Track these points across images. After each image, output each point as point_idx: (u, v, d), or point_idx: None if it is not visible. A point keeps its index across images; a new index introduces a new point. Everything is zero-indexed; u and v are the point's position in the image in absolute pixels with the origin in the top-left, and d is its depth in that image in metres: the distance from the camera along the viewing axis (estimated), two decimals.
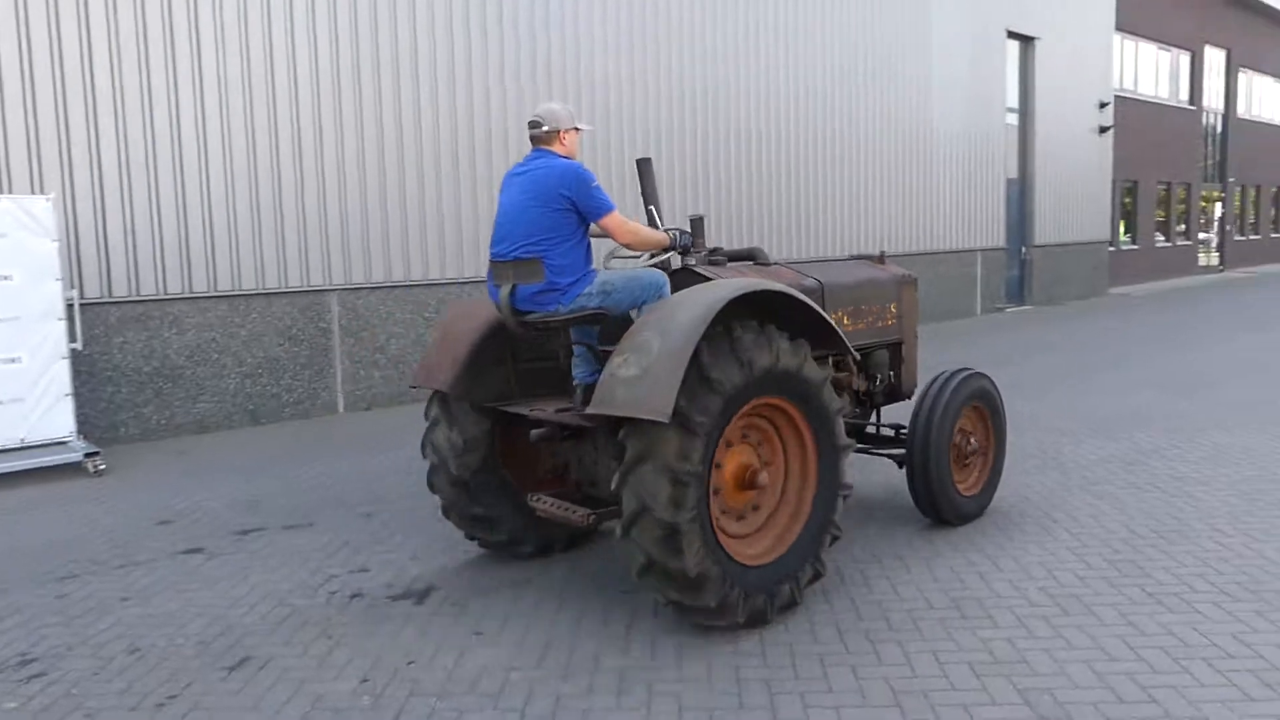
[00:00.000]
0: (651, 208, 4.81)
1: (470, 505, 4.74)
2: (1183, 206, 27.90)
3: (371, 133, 9.74)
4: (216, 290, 8.91)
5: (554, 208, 4.16)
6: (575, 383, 4.47)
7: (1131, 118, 24.37)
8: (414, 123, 10.02)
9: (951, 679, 3.59)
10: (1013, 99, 19.49)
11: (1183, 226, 27.91)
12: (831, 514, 4.21)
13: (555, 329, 4.33)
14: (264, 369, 9.21)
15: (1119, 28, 23.21)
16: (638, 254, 4.73)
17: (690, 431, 3.67)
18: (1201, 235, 29.09)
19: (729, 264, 4.84)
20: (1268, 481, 6.07)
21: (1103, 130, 21.72)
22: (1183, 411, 8.41)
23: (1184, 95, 27.84)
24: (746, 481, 4.05)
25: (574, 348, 4.47)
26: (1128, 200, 24.94)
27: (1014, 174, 19.57)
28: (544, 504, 4.55)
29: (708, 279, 4.58)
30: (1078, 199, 21.18)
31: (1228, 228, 30.69)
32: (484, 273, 10.25)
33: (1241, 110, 31.41)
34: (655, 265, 4.70)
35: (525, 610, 4.35)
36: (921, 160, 16.92)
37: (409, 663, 3.89)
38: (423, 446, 4.77)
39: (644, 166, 4.86)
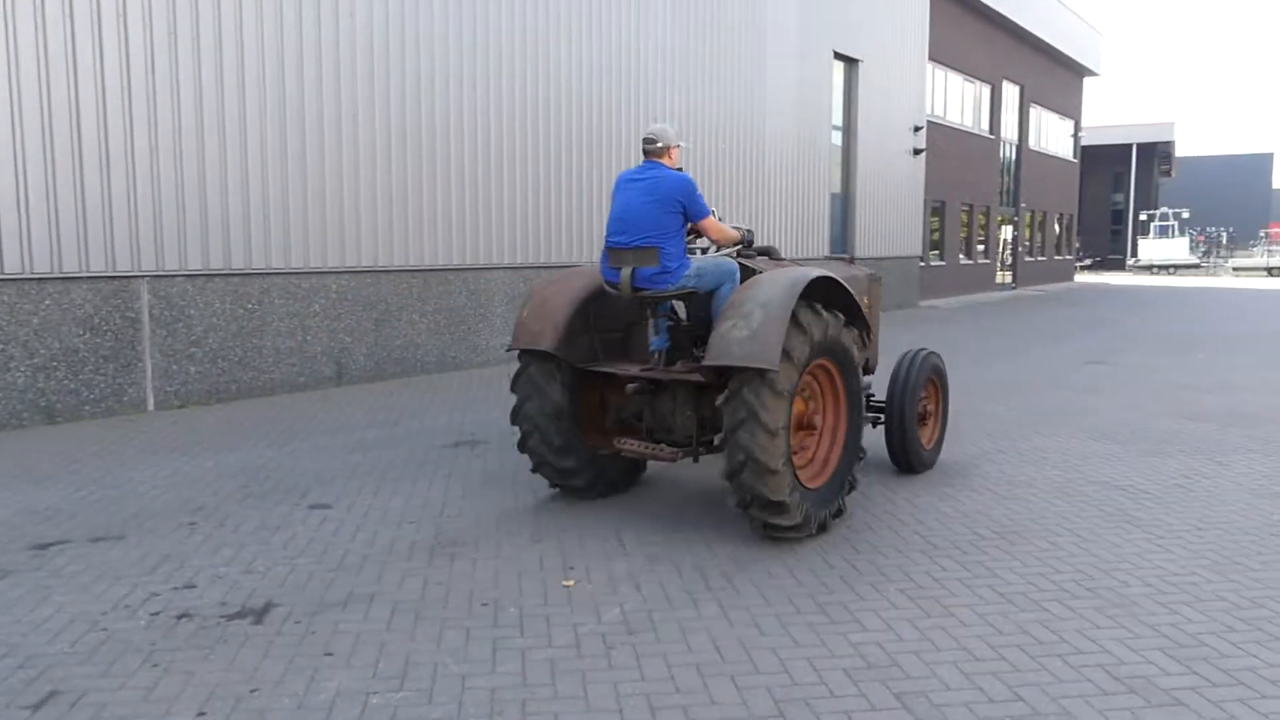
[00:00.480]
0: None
1: (560, 460, 5.82)
2: (983, 228, 30.06)
3: (189, 110, 8.99)
4: (3, 273, 7.96)
5: (669, 210, 5.45)
6: (653, 349, 5.83)
7: (940, 142, 26.03)
8: (238, 103, 9.33)
9: (830, 686, 3.56)
10: (838, 117, 20.36)
11: (983, 246, 30.06)
12: (857, 444, 5.53)
13: (661, 301, 5.64)
14: (60, 362, 8.31)
15: (931, 57, 24.72)
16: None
17: (779, 394, 4.90)
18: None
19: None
20: (1086, 483, 6.49)
21: (916, 152, 23.04)
22: (1001, 416, 8.93)
23: (985, 125, 30.00)
24: (805, 423, 5.36)
25: (658, 320, 5.82)
26: (935, 219, 26.61)
27: (838, 189, 20.44)
28: (632, 446, 5.66)
29: (754, 270, 6.05)
30: (894, 216, 22.38)
31: (1020, 249, 33.28)
32: (316, 262, 10.32)
33: (1032, 142, 34.20)
34: (726, 255, 6.04)
35: (379, 626, 4.04)
36: (754, 170, 17.38)
37: (252, 691, 3.51)
38: (515, 416, 5.82)
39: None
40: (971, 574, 4.72)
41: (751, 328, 4.98)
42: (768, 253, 6.28)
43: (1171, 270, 51.18)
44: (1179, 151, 65.18)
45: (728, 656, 3.79)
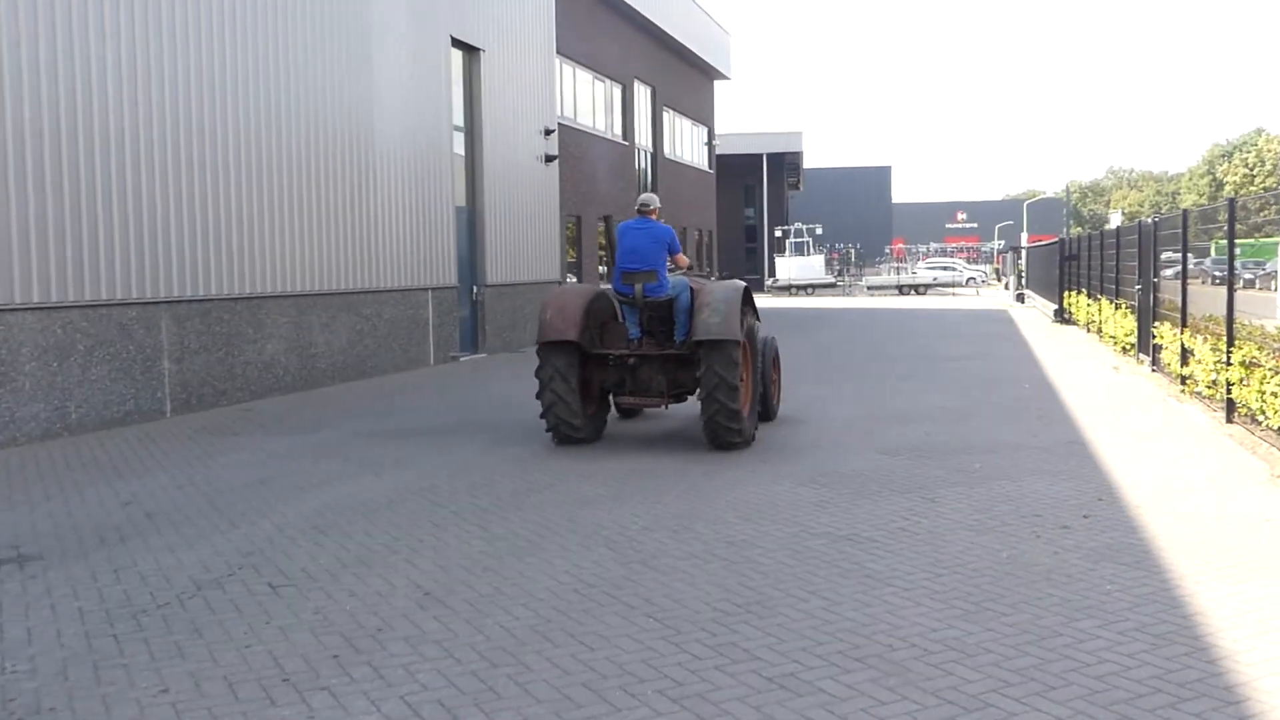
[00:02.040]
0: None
1: (575, 421, 10.43)
2: None
3: None
4: None
5: (662, 247, 10.47)
6: (631, 337, 10.67)
7: (573, 148, 27.15)
8: None
9: None
10: (460, 117, 20.50)
11: None
12: (761, 389, 11.33)
13: (661, 303, 10.53)
14: None
15: (560, 51, 25.76)
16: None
17: (736, 362, 9.83)
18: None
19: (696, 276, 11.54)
20: (810, 536, 6.95)
21: (549, 159, 23.84)
22: (709, 459, 9.40)
23: (618, 129, 31.80)
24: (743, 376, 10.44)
25: (632, 318, 10.70)
26: (572, 234, 27.66)
27: (463, 201, 20.53)
28: (629, 400, 10.72)
29: (700, 284, 10.89)
30: (528, 233, 22.90)
31: None
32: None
33: (667, 150, 36.83)
34: (680, 276, 10.83)
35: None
36: (363, 183, 16.95)
37: None
38: (542, 392, 10.35)
39: (610, 222, 14.28)
40: (728, 659, 4.82)
41: (721, 316, 9.88)
42: (700, 275, 11.81)
43: (810, 291, 57.49)
44: (805, 163, 73.61)
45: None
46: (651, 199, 10.77)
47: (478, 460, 9.96)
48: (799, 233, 63.98)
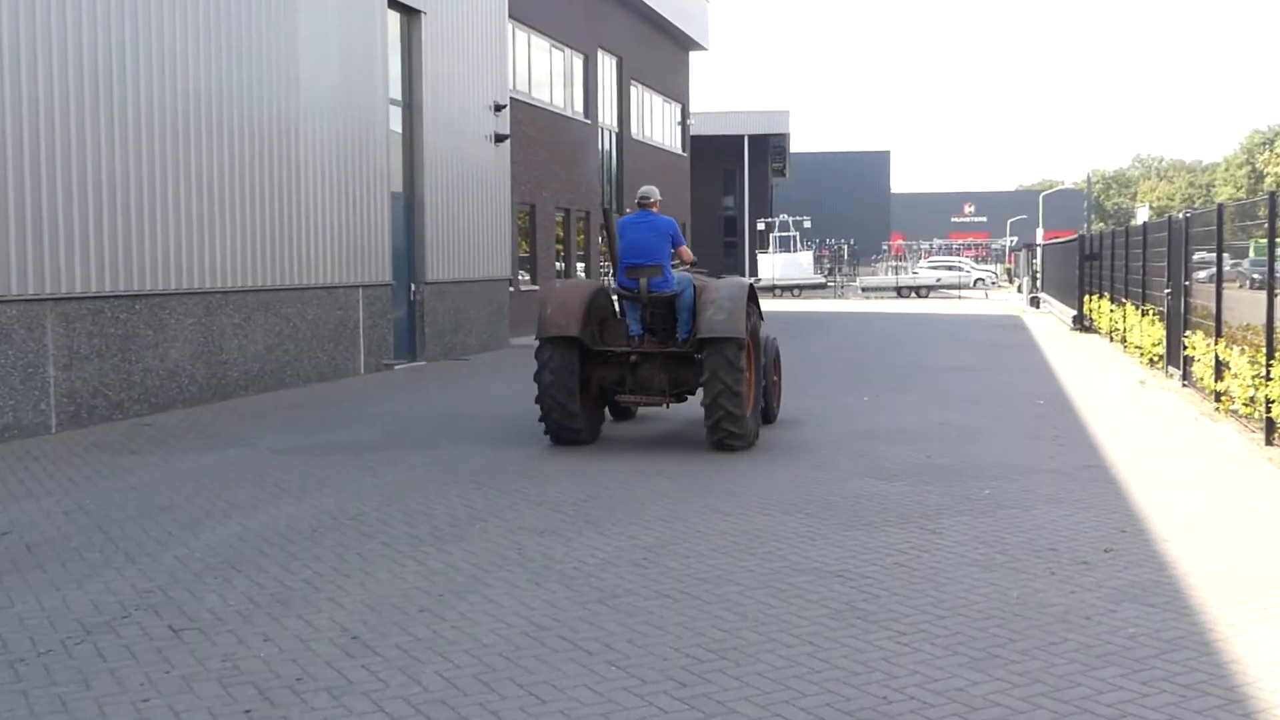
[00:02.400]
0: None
1: (574, 423, 11.55)
2: (583, 239, 31.72)
3: None
4: None
5: (665, 241, 11.81)
6: (633, 334, 11.96)
7: (528, 127, 27.14)
8: None
9: None
10: (397, 89, 20.46)
11: (584, 264, 31.69)
12: (764, 389, 12.72)
13: (665, 299, 11.79)
14: None
15: (512, 16, 25.75)
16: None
17: (740, 367, 11.11)
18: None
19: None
20: (794, 572, 6.97)
21: (499, 139, 23.84)
22: (666, 490, 9.42)
23: (579, 106, 31.82)
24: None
25: (634, 315, 12.00)
26: (524, 225, 27.60)
27: (399, 186, 20.47)
28: (629, 399, 11.95)
29: (704, 281, 12.14)
30: (474, 223, 22.87)
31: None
32: None
33: (635, 130, 36.89)
34: (684, 272, 12.20)
35: None
36: (284, 163, 16.88)
37: None
38: (541, 389, 11.44)
39: (609, 214, 13.57)
40: (703, 713, 4.83)
41: (726, 313, 11.03)
42: (702, 271, 12.86)
43: (796, 292, 57.77)
44: (792, 146, 73.96)
45: None
46: (652, 191, 12.12)
47: (414, 483, 9.92)
48: (785, 226, 64.29)
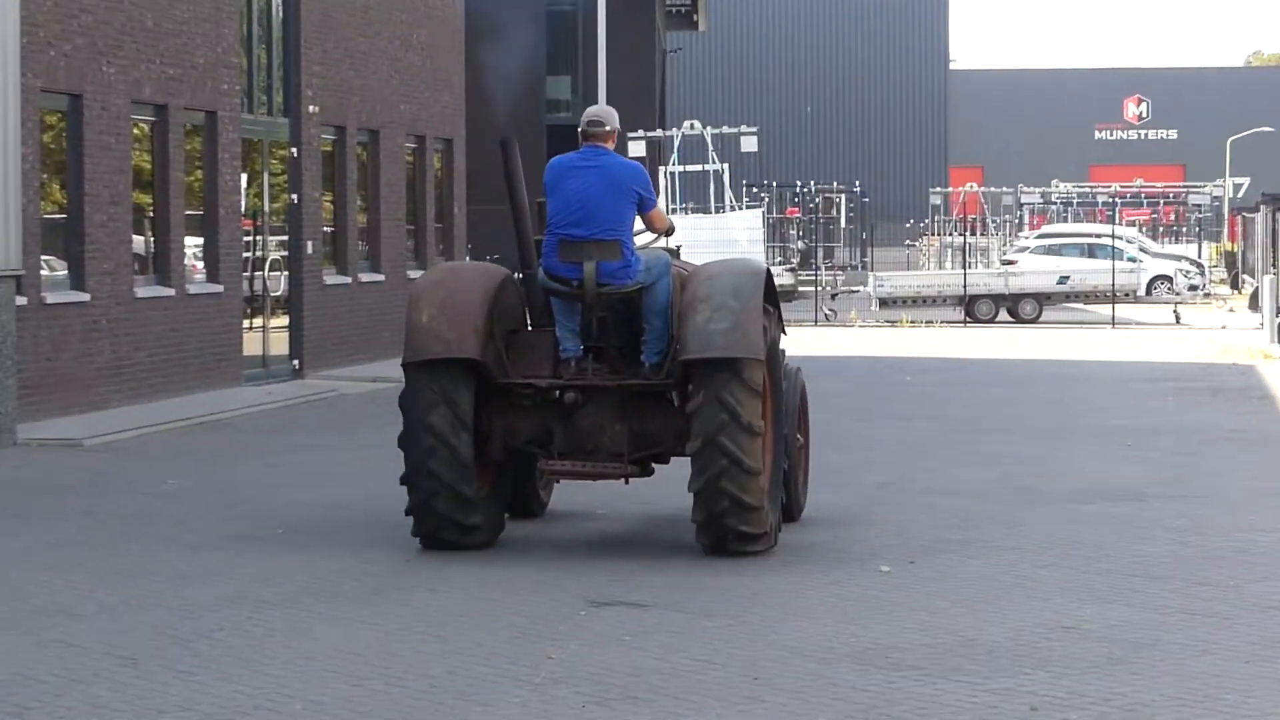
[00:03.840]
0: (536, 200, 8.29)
1: (464, 485, 7.76)
2: (199, 182, 14.57)
3: None
4: None
5: (627, 199, 8.01)
6: (566, 356, 8.02)
7: None
8: None
9: None
10: None
11: (201, 245, 16.91)
12: (786, 439, 8.54)
13: (625, 297, 8.04)
14: None
15: None
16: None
17: (755, 391, 7.65)
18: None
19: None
20: None
21: None
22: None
23: None
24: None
25: (569, 324, 8.12)
26: (53, 151, 14.49)
27: None
28: (564, 467, 8.16)
29: (688, 267, 8.70)
30: None
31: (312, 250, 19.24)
32: None
33: None
34: (659, 248, 8.59)
35: None
36: None
37: None
38: (411, 433, 7.78)
39: (510, 149, 8.29)
40: None
41: (732, 318, 7.55)
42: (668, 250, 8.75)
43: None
44: None
45: None
46: (605, 114, 8.43)
47: None
48: (694, 148, 33.14)
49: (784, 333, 8.62)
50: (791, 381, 8.89)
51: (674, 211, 30.42)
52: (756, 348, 7.62)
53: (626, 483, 8.34)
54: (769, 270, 8.52)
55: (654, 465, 8.37)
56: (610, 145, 8.16)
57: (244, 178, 18.38)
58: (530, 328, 8.44)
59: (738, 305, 7.61)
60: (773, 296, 8.23)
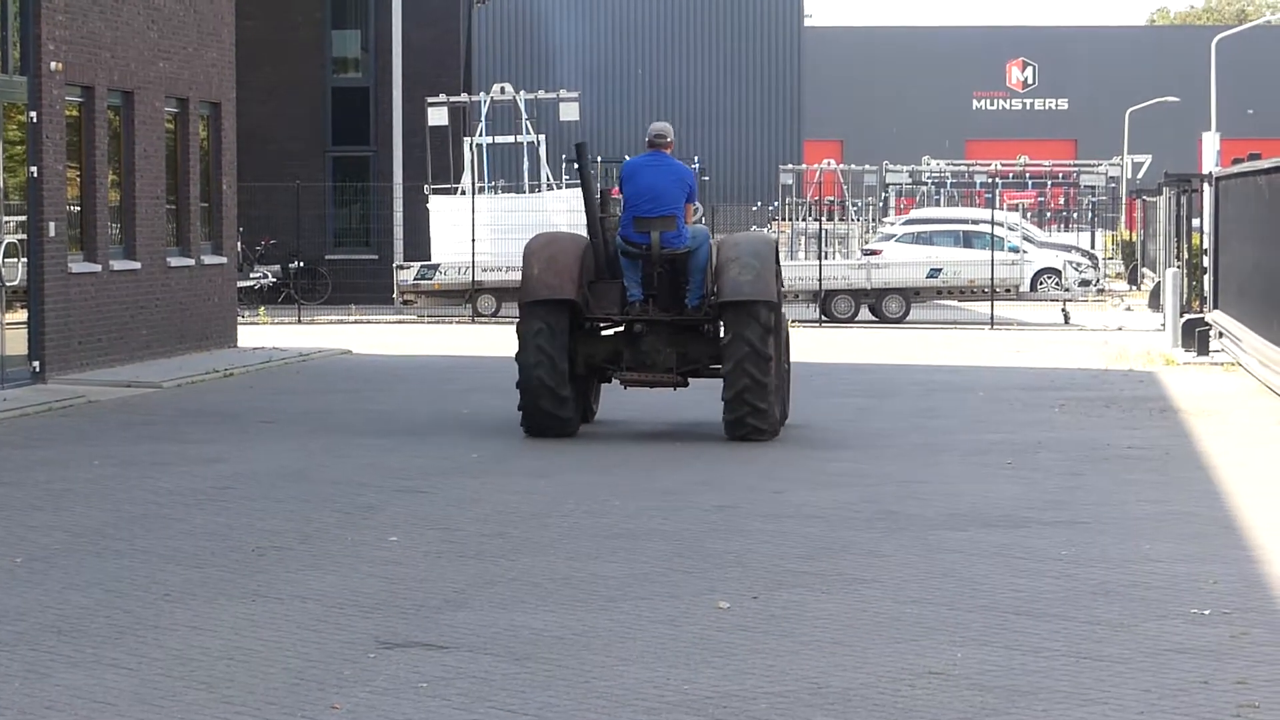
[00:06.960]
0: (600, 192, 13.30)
1: (561, 388, 11.94)
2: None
3: None
4: None
5: (682, 190, 12.55)
6: (632, 299, 12.35)
7: None
8: None
9: None
10: None
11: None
12: (786, 367, 13.52)
13: (678, 257, 12.44)
14: None
15: None
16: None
17: (769, 329, 12.18)
18: None
19: None
20: None
21: None
22: None
23: None
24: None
25: (633, 276, 12.68)
26: None
27: None
28: (633, 377, 12.60)
29: (720, 236, 14.24)
30: None
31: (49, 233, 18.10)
32: None
33: None
34: (698, 225, 13.55)
35: None
36: None
37: None
38: (524, 350, 11.90)
39: (583, 150, 13.78)
40: None
41: (754, 272, 11.79)
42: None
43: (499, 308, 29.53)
44: None
45: None
46: (667, 129, 12.74)
47: None
48: (503, 116, 32.02)
49: (782, 287, 12.90)
50: (784, 320, 12.88)
51: (481, 191, 28.58)
52: (772, 293, 11.88)
53: (675, 390, 12.97)
54: (777, 241, 13.17)
55: (689, 382, 12.72)
56: (670, 151, 12.67)
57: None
58: (604, 279, 12.32)
59: (758, 264, 11.83)
60: (778, 261, 12.52)
